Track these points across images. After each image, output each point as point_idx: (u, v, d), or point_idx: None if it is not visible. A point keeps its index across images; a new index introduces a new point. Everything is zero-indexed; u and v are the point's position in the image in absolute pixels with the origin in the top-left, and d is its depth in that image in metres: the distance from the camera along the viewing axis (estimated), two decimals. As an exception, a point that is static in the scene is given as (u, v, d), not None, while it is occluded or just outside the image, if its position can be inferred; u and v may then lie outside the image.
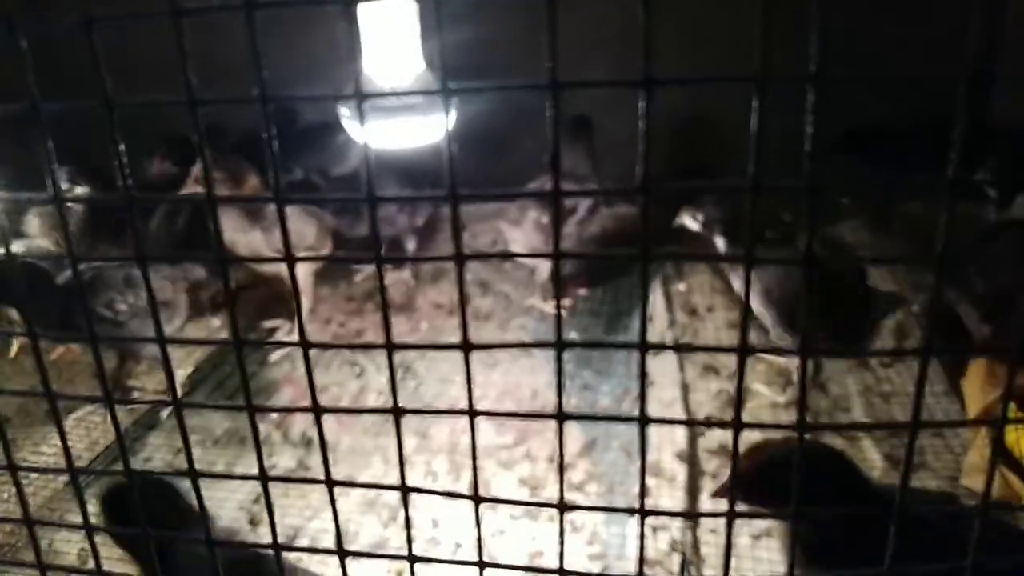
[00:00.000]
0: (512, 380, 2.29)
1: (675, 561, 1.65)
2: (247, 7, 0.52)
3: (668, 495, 1.83)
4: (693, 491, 1.84)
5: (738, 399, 0.57)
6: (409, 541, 0.70)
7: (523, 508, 1.81)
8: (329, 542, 1.75)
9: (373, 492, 1.88)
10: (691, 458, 1.93)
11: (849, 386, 2.19)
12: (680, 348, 0.76)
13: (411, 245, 2.91)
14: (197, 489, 0.74)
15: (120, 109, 0.56)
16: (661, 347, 0.65)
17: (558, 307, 0.66)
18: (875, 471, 1.86)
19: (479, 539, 0.66)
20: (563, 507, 0.64)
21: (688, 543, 1.68)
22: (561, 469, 0.63)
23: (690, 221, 2.50)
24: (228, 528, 1.77)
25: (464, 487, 1.88)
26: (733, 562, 1.63)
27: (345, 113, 1.99)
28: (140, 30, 0.97)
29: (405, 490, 0.69)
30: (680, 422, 0.91)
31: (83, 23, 0.54)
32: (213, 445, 2.10)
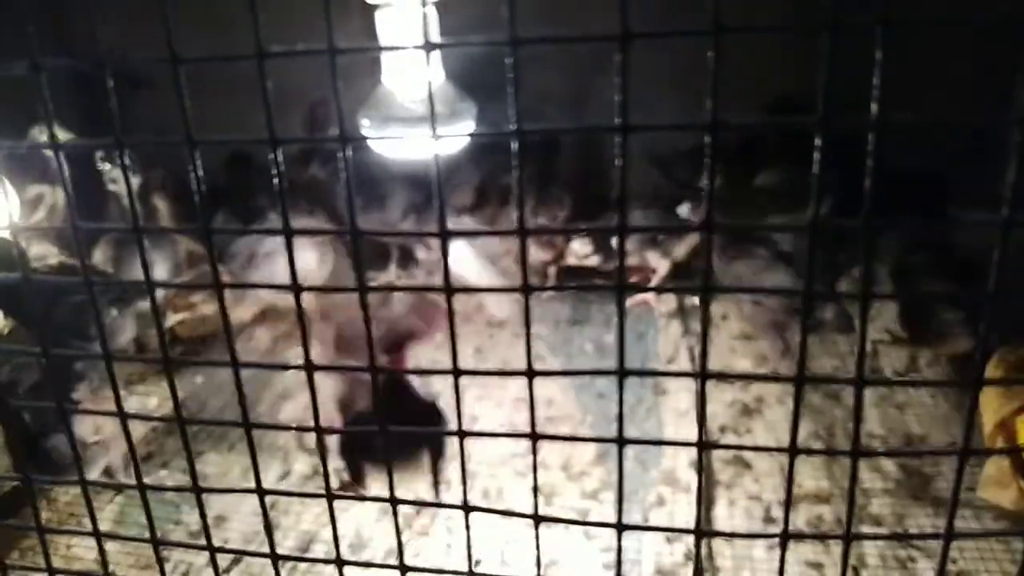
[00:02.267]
0: (525, 389, 2.29)
1: (690, 571, 1.65)
2: (330, 52, 0.53)
3: (684, 505, 1.82)
4: (708, 501, 1.83)
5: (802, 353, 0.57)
6: (400, 553, 0.71)
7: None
8: (345, 548, 1.76)
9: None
10: (706, 468, 1.93)
11: (864, 396, 2.17)
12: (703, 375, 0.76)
13: (422, 254, 2.93)
14: (200, 505, 0.75)
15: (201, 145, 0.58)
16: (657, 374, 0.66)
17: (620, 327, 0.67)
18: (889, 481, 1.85)
19: (538, 560, 0.67)
20: (620, 527, 0.64)
21: (703, 554, 1.68)
22: (620, 493, 0.63)
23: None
24: (243, 532, 1.78)
25: (478, 495, 1.89)
26: (748, 575, 1.63)
27: (365, 124, 2.01)
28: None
29: (467, 509, 0.70)
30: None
31: (171, 61, 0.55)
32: (229, 451, 2.11)
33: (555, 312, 2.73)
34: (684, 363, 2.39)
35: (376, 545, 1.75)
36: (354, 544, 1.75)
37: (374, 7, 1.93)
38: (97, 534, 0.80)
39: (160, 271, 2.55)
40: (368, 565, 0.83)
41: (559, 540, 1.73)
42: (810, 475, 1.87)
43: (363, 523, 1.81)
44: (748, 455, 1.96)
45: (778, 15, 0.63)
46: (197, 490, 0.74)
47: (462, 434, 0.67)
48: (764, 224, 2.85)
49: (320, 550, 1.74)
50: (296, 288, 0.62)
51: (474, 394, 2.29)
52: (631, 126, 0.52)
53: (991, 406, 1.70)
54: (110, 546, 1.76)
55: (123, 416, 0.72)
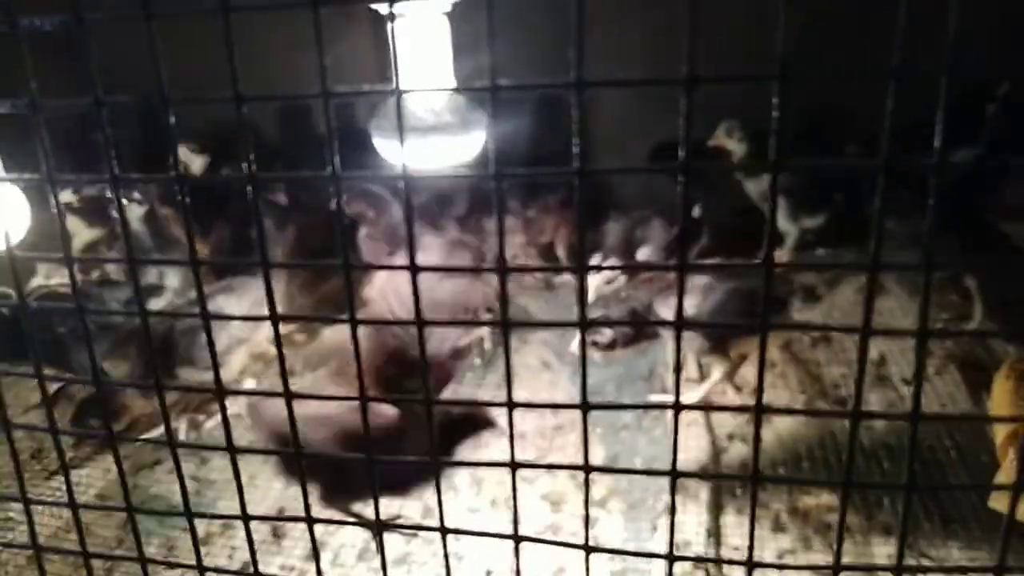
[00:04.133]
0: (533, 394, 2.29)
1: (698, 579, 1.64)
2: (323, 96, 0.53)
3: (692, 513, 1.82)
4: (716, 508, 1.83)
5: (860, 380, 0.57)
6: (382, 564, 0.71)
7: (546, 524, 1.81)
8: (351, 556, 1.76)
9: (394, 508, 1.88)
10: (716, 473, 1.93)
11: (871, 403, 2.17)
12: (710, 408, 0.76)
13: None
14: (193, 528, 0.76)
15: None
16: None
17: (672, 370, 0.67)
18: (898, 491, 1.83)
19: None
20: (672, 558, 0.64)
21: (712, 563, 1.67)
22: (672, 527, 0.64)
23: (726, 140, 2.53)
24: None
25: (485, 502, 1.89)
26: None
27: (376, 134, 2.02)
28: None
29: (517, 539, 0.71)
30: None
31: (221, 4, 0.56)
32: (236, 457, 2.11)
33: (561, 318, 2.72)
34: (692, 370, 2.38)
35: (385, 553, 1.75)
36: (362, 551, 1.75)
37: (386, 18, 1.94)
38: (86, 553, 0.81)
39: (173, 279, 2.56)
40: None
41: (566, 549, 1.72)
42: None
43: (369, 533, 1.81)
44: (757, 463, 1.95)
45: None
46: (189, 515, 0.74)
47: (515, 465, 0.68)
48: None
49: (327, 557, 1.74)
50: (275, 318, 0.63)
51: (484, 395, 2.30)
52: (692, 166, 0.53)
53: (1001, 413, 1.69)
54: (117, 554, 1.76)
55: (113, 440, 0.72)
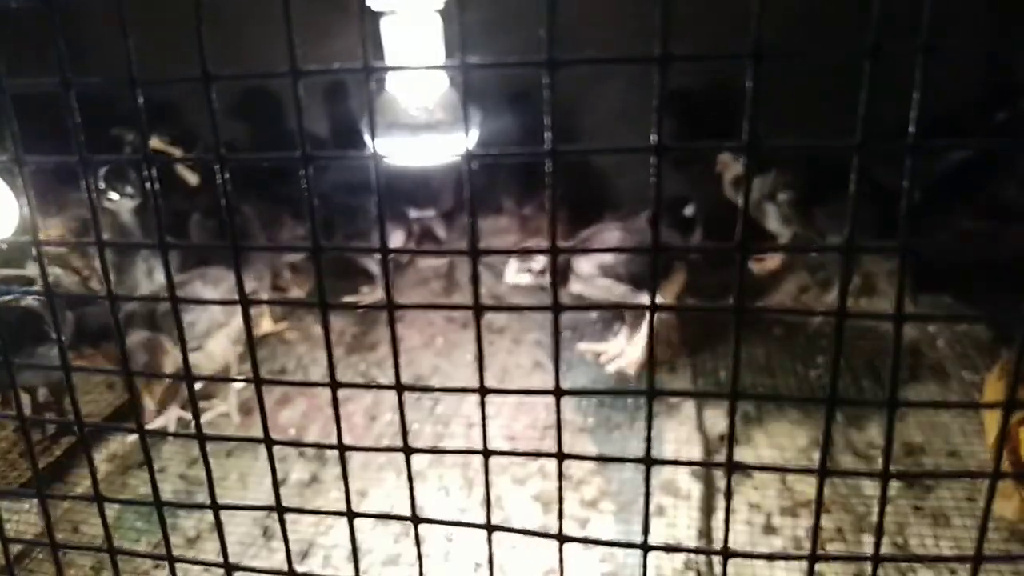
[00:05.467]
0: (525, 396, 2.29)
1: (689, 580, 1.64)
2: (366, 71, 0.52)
3: (684, 513, 1.81)
4: (708, 510, 1.82)
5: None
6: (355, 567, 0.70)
7: (538, 524, 1.81)
8: (342, 557, 1.75)
9: (387, 505, 1.88)
10: (706, 476, 1.92)
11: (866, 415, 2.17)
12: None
13: (440, 232, 3.02)
14: (162, 518, 0.75)
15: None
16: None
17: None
18: (890, 489, 1.84)
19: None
20: (647, 548, 0.63)
21: (703, 561, 1.67)
22: (646, 515, 0.63)
23: (727, 157, 2.55)
24: (240, 540, 1.77)
25: (476, 502, 1.88)
26: (748, 582, 1.62)
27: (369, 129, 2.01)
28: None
29: (490, 528, 0.71)
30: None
31: (202, 79, 0.55)
32: (227, 456, 2.10)
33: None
34: (683, 371, 2.38)
35: (375, 555, 1.74)
36: (351, 552, 1.74)
37: (378, 14, 1.93)
38: (51, 544, 0.80)
39: (158, 278, 2.54)
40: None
41: (557, 548, 1.71)
42: (810, 483, 1.86)
43: (359, 531, 1.80)
44: (749, 462, 1.95)
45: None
46: (159, 504, 0.74)
47: (487, 453, 0.67)
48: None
49: (318, 558, 1.73)
50: (244, 302, 0.62)
51: (473, 400, 2.28)
52: (665, 146, 0.52)
53: (994, 417, 1.69)
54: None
55: (83, 433, 0.71)
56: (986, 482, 1.73)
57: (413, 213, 3.06)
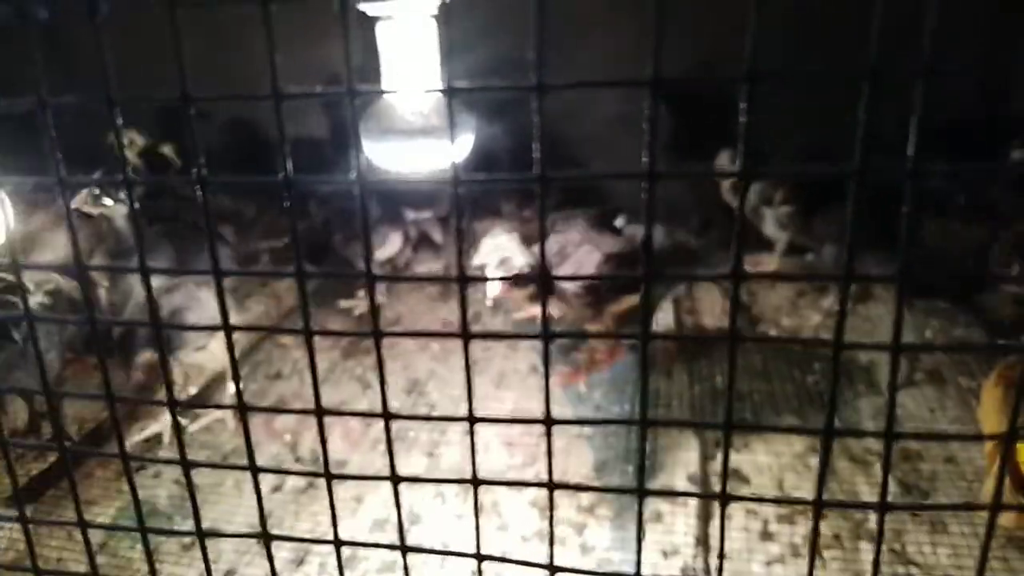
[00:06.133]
0: (522, 399, 2.29)
1: (686, 586, 1.64)
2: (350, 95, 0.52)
3: (681, 519, 1.81)
4: (705, 516, 1.82)
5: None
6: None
7: (534, 530, 1.80)
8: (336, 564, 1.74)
9: (383, 512, 1.87)
10: (703, 481, 1.92)
11: (861, 410, 2.17)
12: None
13: (437, 235, 3.02)
14: (146, 544, 0.75)
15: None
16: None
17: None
18: (888, 496, 1.83)
19: None
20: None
21: (700, 568, 1.66)
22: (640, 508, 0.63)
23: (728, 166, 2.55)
24: (236, 543, 1.76)
25: (470, 509, 1.87)
26: (745, 588, 1.61)
27: (363, 135, 2.01)
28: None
29: (480, 558, 0.71)
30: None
31: (181, 101, 0.55)
32: (222, 461, 2.09)
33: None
34: (680, 373, 2.38)
35: (372, 562, 1.74)
36: (348, 558, 1.74)
37: (373, 20, 1.93)
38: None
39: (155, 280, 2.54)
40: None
41: (555, 555, 1.71)
42: (808, 490, 1.86)
43: (356, 536, 1.79)
44: (746, 469, 1.95)
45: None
46: (143, 530, 0.73)
47: (476, 482, 0.66)
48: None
49: (315, 561, 1.72)
50: (228, 328, 0.62)
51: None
52: (657, 174, 0.52)
53: (991, 423, 1.69)
54: (101, 559, 1.74)
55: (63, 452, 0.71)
56: (985, 489, 1.72)
57: (410, 215, 3.05)
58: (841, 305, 0.56)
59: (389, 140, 1.92)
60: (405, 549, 0.63)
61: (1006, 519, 1.66)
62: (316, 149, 3.05)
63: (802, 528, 1.76)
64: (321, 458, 2.03)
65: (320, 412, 0.63)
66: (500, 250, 2.37)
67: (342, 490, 1.92)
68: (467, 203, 2.97)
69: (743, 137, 0.52)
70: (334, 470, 2.08)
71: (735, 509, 1.81)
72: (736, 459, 1.97)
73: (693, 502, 1.84)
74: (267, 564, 1.53)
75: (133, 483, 0.71)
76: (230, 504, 1.90)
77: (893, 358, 0.57)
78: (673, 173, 0.53)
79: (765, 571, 1.63)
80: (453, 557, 1.71)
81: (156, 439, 2.16)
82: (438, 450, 2.07)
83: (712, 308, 2.75)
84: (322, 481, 2.07)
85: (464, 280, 0.58)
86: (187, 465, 0.68)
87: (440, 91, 0.54)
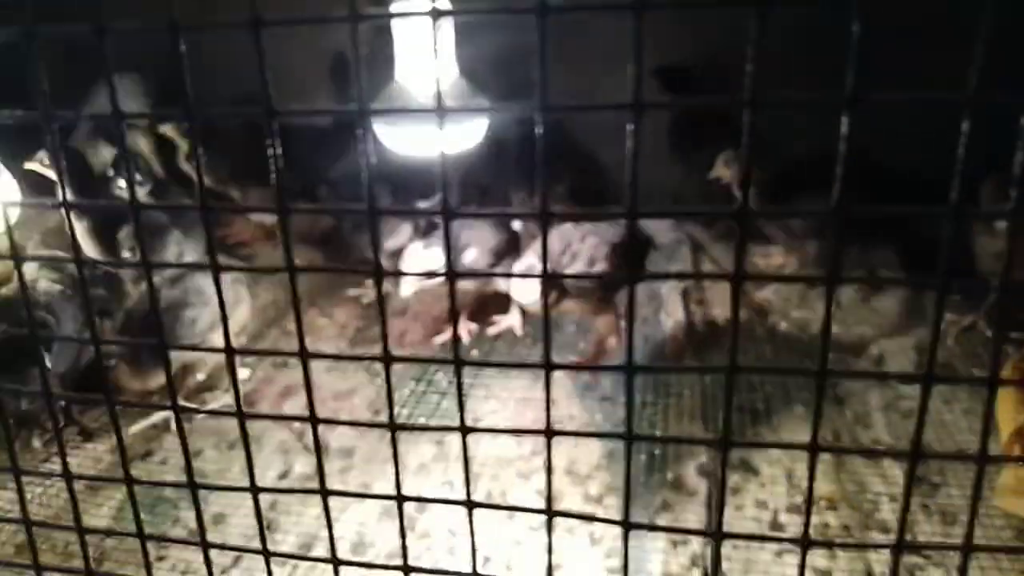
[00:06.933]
0: (531, 390, 2.28)
1: (695, 577, 1.63)
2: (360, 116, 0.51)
3: (691, 510, 1.80)
4: (719, 506, 1.81)
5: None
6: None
7: (541, 520, 1.79)
8: (346, 549, 1.73)
9: (389, 501, 1.86)
10: (714, 472, 1.91)
11: (870, 403, 2.15)
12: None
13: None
14: (196, 499, 0.74)
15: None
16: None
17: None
18: (896, 487, 1.83)
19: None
20: (628, 526, 0.62)
21: (710, 558, 1.65)
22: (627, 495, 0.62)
23: (724, 170, 2.51)
24: (243, 531, 1.76)
25: (481, 497, 1.87)
26: (756, 579, 1.60)
27: (376, 119, 2.00)
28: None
29: (470, 505, 0.70)
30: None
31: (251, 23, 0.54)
32: (228, 448, 2.09)
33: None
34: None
35: (378, 547, 1.73)
36: (355, 545, 1.73)
37: (386, 2, 1.92)
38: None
39: (191, 255, 2.53)
40: (370, 566, 0.81)
41: (563, 545, 1.70)
42: (818, 480, 1.84)
43: (365, 524, 1.79)
44: (755, 460, 1.94)
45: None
46: (192, 486, 0.72)
47: (464, 430, 0.66)
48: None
49: (321, 550, 1.72)
50: (230, 351, 0.62)
51: (479, 394, 2.28)
52: (638, 213, 0.51)
53: (1007, 414, 1.67)
54: (109, 543, 1.74)
55: (114, 415, 0.70)
56: (1001, 480, 1.70)
57: (421, 204, 3.03)
58: (826, 318, 0.55)
59: (403, 125, 1.91)
60: (407, 569, 0.62)
61: (1022, 509, 1.65)
62: (322, 133, 3.04)
63: (812, 519, 1.74)
64: (328, 447, 2.01)
65: (315, 421, 0.62)
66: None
67: (350, 477, 1.92)
68: (476, 191, 2.96)
69: (743, 187, 0.52)
70: (341, 459, 2.08)
71: (745, 500, 1.80)
72: (745, 451, 1.96)
73: (702, 492, 1.83)
74: (275, 547, 1.52)
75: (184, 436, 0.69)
76: (237, 492, 1.89)
77: (924, 391, 0.57)
78: (658, 103, 0.52)
79: (775, 559, 1.62)
80: (461, 546, 1.71)
81: (164, 425, 2.16)
82: (446, 438, 2.06)
83: (722, 299, 2.73)
84: (330, 468, 2.06)
85: (454, 275, 0.56)
86: (242, 417, 0.68)
87: (426, 14, 0.52)
